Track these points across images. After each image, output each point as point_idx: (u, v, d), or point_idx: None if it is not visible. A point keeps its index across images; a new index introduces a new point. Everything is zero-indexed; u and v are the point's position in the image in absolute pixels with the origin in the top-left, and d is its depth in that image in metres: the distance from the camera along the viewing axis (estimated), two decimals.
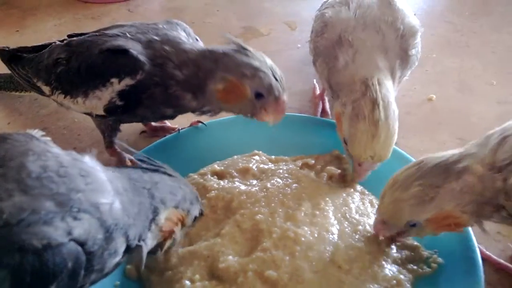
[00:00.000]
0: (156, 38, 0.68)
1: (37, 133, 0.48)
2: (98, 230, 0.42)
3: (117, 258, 0.45)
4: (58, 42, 0.75)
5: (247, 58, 0.64)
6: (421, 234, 0.59)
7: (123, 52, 0.65)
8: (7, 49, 0.83)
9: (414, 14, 0.82)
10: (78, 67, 0.68)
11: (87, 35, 0.73)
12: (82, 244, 0.40)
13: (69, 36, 0.77)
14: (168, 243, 0.53)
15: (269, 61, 0.66)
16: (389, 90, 0.69)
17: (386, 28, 0.74)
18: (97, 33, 0.72)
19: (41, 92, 0.78)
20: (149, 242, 0.49)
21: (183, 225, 0.54)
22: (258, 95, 0.65)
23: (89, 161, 0.46)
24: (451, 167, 0.54)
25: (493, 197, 0.52)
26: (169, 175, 0.54)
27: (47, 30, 1.21)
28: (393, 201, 0.56)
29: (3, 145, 0.44)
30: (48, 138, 0.49)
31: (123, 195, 0.46)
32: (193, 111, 0.71)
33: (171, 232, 0.52)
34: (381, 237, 0.62)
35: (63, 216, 0.39)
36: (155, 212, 0.49)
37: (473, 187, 0.52)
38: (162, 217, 0.50)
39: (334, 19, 0.77)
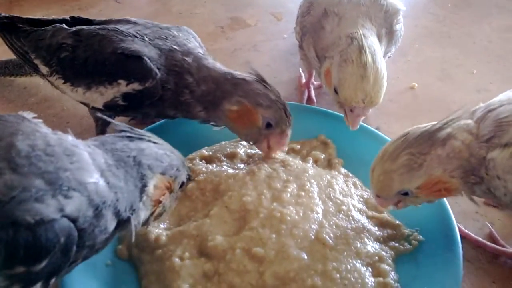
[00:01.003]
0: (176, 48, 0.69)
1: (28, 114, 0.49)
2: (88, 208, 0.43)
3: (107, 235, 0.46)
4: (64, 25, 0.73)
5: (265, 89, 0.67)
6: (417, 202, 0.60)
7: (137, 57, 0.66)
8: None
9: None
10: (85, 58, 0.68)
11: (98, 27, 0.71)
12: (73, 220, 0.41)
13: (72, 18, 0.77)
14: (158, 211, 0.54)
15: (282, 98, 0.68)
16: (375, 43, 0.72)
17: (370, 3, 0.78)
18: (108, 27, 0.71)
19: (36, 70, 0.77)
20: (142, 214, 0.51)
21: (171, 191, 0.55)
22: (268, 125, 0.67)
23: (72, 140, 0.47)
24: (435, 134, 0.55)
25: (477, 166, 0.54)
26: (154, 142, 0.54)
27: None
28: (383, 173, 0.58)
29: None
30: (40, 120, 0.50)
31: (106, 171, 0.46)
32: (197, 120, 0.72)
33: (159, 201, 0.53)
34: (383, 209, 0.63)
35: (54, 194, 0.41)
36: (143, 179, 0.50)
37: (459, 153, 0.54)
38: (151, 186, 0.51)
39: None
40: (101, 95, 0.69)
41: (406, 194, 0.58)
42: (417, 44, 1.13)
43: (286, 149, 0.74)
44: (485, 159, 0.54)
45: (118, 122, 0.55)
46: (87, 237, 0.44)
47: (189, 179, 0.59)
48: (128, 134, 0.53)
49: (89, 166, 0.45)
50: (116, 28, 0.70)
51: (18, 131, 0.44)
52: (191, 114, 0.71)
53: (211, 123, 0.72)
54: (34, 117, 0.49)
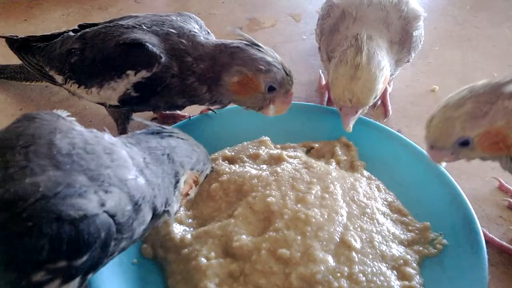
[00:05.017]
0: (173, 31, 0.69)
1: (63, 113, 0.50)
2: (127, 203, 0.44)
3: (145, 226, 0.48)
4: (71, 33, 0.76)
5: (260, 53, 0.67)
6: (471, 156, 0.59)
7: (140, 45, 0.67)
8: (15, 37, 0.84)
9: None
10: (93, 58, 0.70)
11: (100, 26, 0.73)
12: (112, 216, 0.42)
13: (80, 26, 0.78)
14: (184, 201, 0.57)
15: (279, 57, 0.68)
16: (380, 46, 0.73)
17: (390, 7, 0.79)
18: (111, 24, 0.73)
19: (53, 81, 0.79)
20: (175, 207, 0.53)
21: (196, 184, 0.57)
22: (270, 89, 0.68)
23: (109, 139, 0.48)
24: (504, 87, 0.55)
25: None
26: (182, 138, 0.57)
27: (55, 20, 1.22)
28: (444, 120, 0.57)
29: (32, 124, 0.46)
30: (73, 118, 0.51)
31: (145, 169, 0.48)
32: (204, 103, 0.73)
33: (187, 194, 0.56)
34: (440, 164, 0.63)
35: (96, 190, 0.41)
36: (176, 176, 0.52)
37: None
38: (182, 182, 0.53)
39: (340, 0, 0.82)
40: (114, 91, 0.70)
41: (464, 144, 0.57)
42: (437, 47, 1.13)
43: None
44: None
45: (149, 122, 0.57)
46: (126, 229, 0.45)
47: (212, 170, 0.63)
48: (159, 131, 0.55)
49: (128, 164, 0.46)
50: (117, 23, 0.72)
51: (56, 129, 0.45)
52: (198, 98, 0.72)
53: (217, 103, 0.73)
54: (68, 115, 0.50)
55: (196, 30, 0.71)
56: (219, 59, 0.68)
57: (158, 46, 0.67)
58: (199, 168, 0.57)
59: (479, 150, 0.58)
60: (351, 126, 0.74)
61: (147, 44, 0.66)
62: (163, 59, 0.67)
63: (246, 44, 0.68)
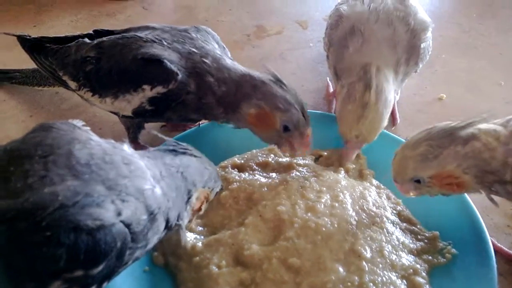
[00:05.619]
0: (195, 50, 0.70)
1: (78, 122, 0.51)
2: (143, 212, 0.45)
3: (159, 235, 0.48)
4: (86, 39, 0.76)
5: (282, 91, 0.67)
6: (431, 192, 0.62)
7: (158, 61, 0.67)
8: (27, 36, 0.84)
9: None
10: (109, 69, 0.70)
11: (118, 36, 0.73)
12: (128, 225, 0.43)
13: (95, 31, 0.79)
14: (194, 218, 0.59)
15: (300, 98, 0.69)
16: (387, 78, 0.74)
17: (397, 22, 0.79)
18: (128, 35, 0.72)
19: (66, 86, 0.79)
20: (186, 220, 0.54)
21: (207, 201, 0.59)
22: (285, 128, 0.68)
23: (128, 150, 0.49)
24: (458, 132, 0.58)
25: (499, 170, 0.55)
26: (195, 156, 0.58)
27: (64, 26, 1.23)
28: (401, 158, 0.61)
29: (49, 134, 0.47)
30: (88, 128, 0.51)
31: (161, 181, 0.49)
32: (217, 120, 0.74)
33: (199, 209, 0.57)
34: (407, 194, 0.65)
35: (113, 199, 0.42)
36: (189, 194, 0.53)
37: (479, 154, 0.56)
38: (194, 199, 0.54)
39: (349, 12, 0.82)
40: (128, 103, 0.70)
41: (418, 182, 0.61)
42: (444, 55, 1.13)
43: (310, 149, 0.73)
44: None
45: (166, 137, 0.58)
46: (141, 239, 0.46)
47: (222, 188, 0.64)
48: (173, 148, 0.56)
49: (146, 175, 0.47)
50: (135, 35, 0.72)
51: (74, 139, 0.46)
52: (212, 116, 0.72)
53: (231, 124, 0.73)
54: (83, 125, 0.51)
55: (219, 52, 0.72)
56: (241, 88, 0.68)
57: (176, 63, 0.67)
58: (211, 185, 0.58)
59: (435, 188, 0.61)
60: (352, 158, 0.76)
61: (165, 61, 0.67)
62: (180, 76, 0.67)
63: (271, 80, 0.68)
